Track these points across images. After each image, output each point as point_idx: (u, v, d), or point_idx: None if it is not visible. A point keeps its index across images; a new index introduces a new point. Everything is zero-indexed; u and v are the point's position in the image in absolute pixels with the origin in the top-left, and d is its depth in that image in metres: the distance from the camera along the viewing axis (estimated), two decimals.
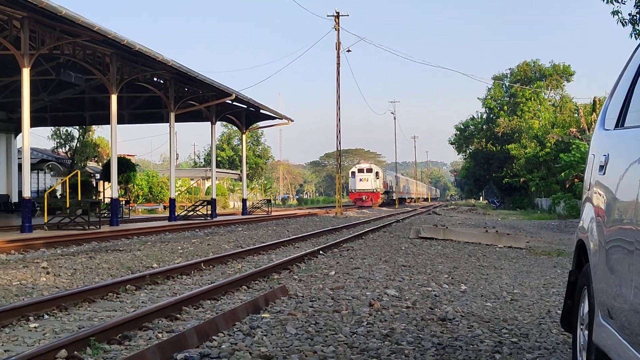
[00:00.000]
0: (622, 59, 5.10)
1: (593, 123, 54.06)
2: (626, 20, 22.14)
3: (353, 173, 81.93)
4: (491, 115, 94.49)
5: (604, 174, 4.37)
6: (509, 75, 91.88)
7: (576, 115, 64.41)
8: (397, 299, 9.52)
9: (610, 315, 3.91)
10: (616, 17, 22.17)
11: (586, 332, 4.67)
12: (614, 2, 21.97)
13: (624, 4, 22.05)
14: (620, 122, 4.46)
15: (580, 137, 50.55)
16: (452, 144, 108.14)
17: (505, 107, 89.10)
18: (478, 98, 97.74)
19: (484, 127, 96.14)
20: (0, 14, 22.64)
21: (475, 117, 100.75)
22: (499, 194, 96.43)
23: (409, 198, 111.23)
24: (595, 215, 4.50)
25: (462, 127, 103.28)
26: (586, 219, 4.81)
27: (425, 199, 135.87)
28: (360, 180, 77.80)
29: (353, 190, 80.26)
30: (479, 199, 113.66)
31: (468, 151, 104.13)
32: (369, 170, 78.29)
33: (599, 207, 4.44)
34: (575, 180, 45.69)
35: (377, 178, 78.53)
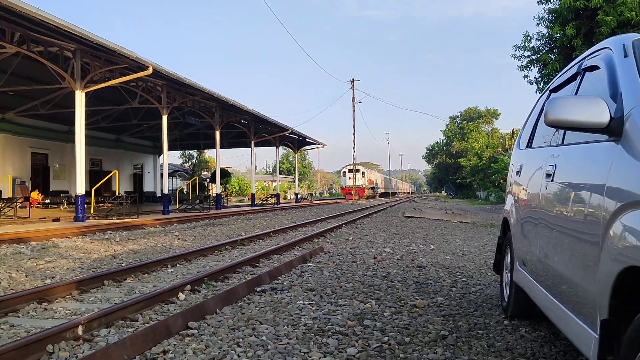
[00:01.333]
0: (531, 104, 5.08)
1: (512, 145, 53.55)
2: (532, 81, 21.95)
3: (344, 173, 65.14)
4: (448, 140, 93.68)
5: (519, 176, 4.35)
6: (459, 115, 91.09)
7: (502, 140, 64.49)
8: (391, 254, 9.44)
9: (524, 264, 3.88)
10: (526, 79, 22.04)
11: (509, 275, 4.62)
12: (524, 69, 21.83)
13: (530, 71, 21.96)
14: (529, 144, 4.43)
15: (504, 154, 50.45)
16: (424, 158, 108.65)
17: (457, 135, 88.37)
18: (440, 130, 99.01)
19: (444, 147, 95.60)
20: (150, 83, 22.93)
21: (439, 141, 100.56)
22: (454, 189, 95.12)
23: (397, 192, 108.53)
24: (514, 202, 4.48)
25: (431, 147, 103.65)
26: (508, 204, 4.78)
27: (408, 193, 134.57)
28: (349, 178, 61.01)
29: (343, 186, 64.46)
30: (441, 192, 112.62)
31: (434, 162, 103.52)
32: (356, 171, 61.19)
33: (516, 197, 4.42)
34: (501, 180, 45.44)
35: (363, 177, 62.94)
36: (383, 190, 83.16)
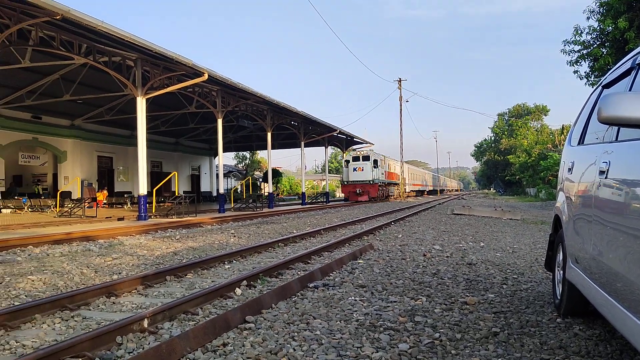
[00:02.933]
0: (581, 99, 4.90)
1: (562, 141, 51.69)
2: (582, 76, 21.16)
3: (347, 162, 42.60)
4: (496, 137, 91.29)
5: (571, 173, 4.21)
6: (507, 112, 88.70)
7: (551, 136, 62.30)
8: (440, 251, 9.31)
9: (577, 261, 3.75)
10: (576, 74, 21.26)
11: (561, 272, 4.48)
12: (574, 64, 21.07)
13: (581, 66, 21.15)
14: (581, 141, 4.28)
15: (554, 150, 48.72)
16: (472, 155, 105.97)
17: (506, 132, 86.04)
18: (488, 127, 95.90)
19: (493, 145, 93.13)
20: (205, 89, 23.45)
21: (487, 139, 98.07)
22: (503, 186, 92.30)
23: (445, 190, 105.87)
24: (566, 199, 4.33)
25: (479, 145, 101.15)
26: (560, 201, 4.63)
27: (456, 191, 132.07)
28: (355, 170, 41.05)
29: (346, 182, 41.91)
30: (490, 190, 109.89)
31: (482, 160, 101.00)
32: (365, 159, 41.33)
33: (568, 194, 4.27)
34: (550, 177, 43.97)
35: (375, 167, 41.09)
36: (431, 188, 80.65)
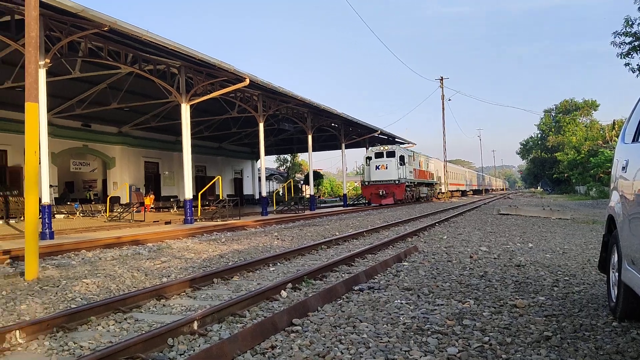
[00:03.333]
0: (634, 93, 4.71)
1: (613, 137, 49.87)
2: (634, 69, 20.38)
3: (368, 159, 35.54)
4: (543, 134, 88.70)
5: (625, 172, 4.07)
6: (554, 108, 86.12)
7: (602, 132, 60.05)
8: (487, 253, 9.12)
9: (634, 263, 3.62)
10: (628, 67, 20.49)
11: (616, 274, 4.32)
12: (625, 57, 20.32)
13: (632, 58, 20.37)
14: (635, 138, 4.13)
15: (605, 146, 47.01)
16: (518, 153, 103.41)
17: (553, 129, 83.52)
18: (534, 124, 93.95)
19: (539, 142, 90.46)
20: (247, 93, 23.77)
21: (533, 136, 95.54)
22: (551, 184, 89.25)
23: (490, 189, 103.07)
24: (620, 198, 4.18)
25: (525, 142, 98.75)
26: (613, 201, 4.48)
27: (502, 190, 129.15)
28: (377, 168, 34.69)
29: (367, 182, 35.07)
30: (537, 188, 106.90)
31: (529, 157, 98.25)
32: (390, 155, 34.70)
33: (622, 193, 4.12)
34: (601, 174, 42.47)
35: (402, 164, 34.52)
36: (475, 187, 78.60)
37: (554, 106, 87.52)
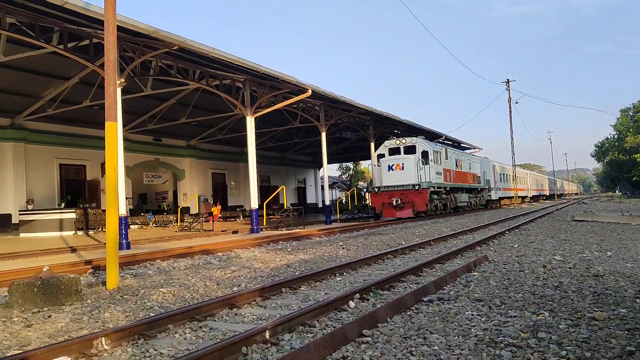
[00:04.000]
0: None
1: None
2: None
3: (379, 157, 26.84)
4: (620, 135, 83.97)
5: None
6: (632, 107, 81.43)
7: None
8: (561, 262, 8.77)
9: None
10: None
11: None
12: None
13: None
14: None
15: None
16: (592, 156, 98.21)
17: (631, 129, 78.91)
18: (610, 125, 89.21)
19: (616, 143, 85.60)
20: (309, 104, 24.10)
21: (609, 137, 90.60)
22: (630, 187, 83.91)
23: (563, 194, 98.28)
24: None
25: (600, 144, 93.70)
26: None
27: (575, 194, 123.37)
28: (390, 168, 25.15)
29: (376, 190, 25.58)
30: (615, 192, 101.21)
31: (605, 160, 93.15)
32: (409, 150, 25.88)
33: None
34: None
35: (425, 163, 25.35)
36: (547, 192, 75.23)
37: (631, 105, 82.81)
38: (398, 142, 26.32)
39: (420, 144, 25.87)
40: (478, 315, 5.11)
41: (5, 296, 7.06)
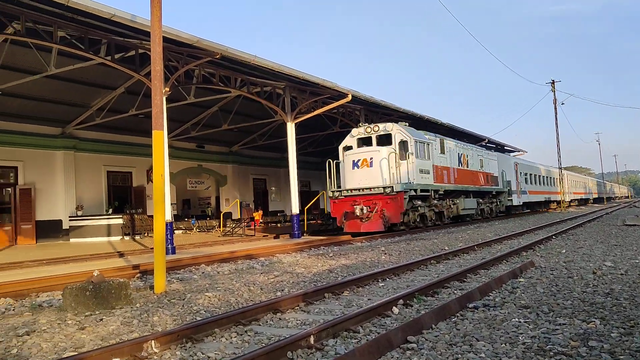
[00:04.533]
0: None
1: None
2: None
3: (347, 149, 19.73)
4: None
5: None
6: None
7: None
8: (612, 268, 8.49)
9: None
10: None
11: None
12: None
13: None
14: None
15: None
16: None
17: None
18: None
19: None
20: (349, 108, 24.14)
21: None
22: None
23: (613, 197, 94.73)
24: None
25: None
26: None
27: (626, 197, 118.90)
28: (356, 165, 18.40)
29: (336, 195, 18.77)
30: None
31: None
32: (383, 140, 18.92)
33: None
34: None
35: (404, 158, 18.48)
36: (596, 195, 72.44)
37: None
38: (369, 129, 19.50)
39: (398, 131, 18.88)
40: (525, 322, 5.02)
41: (60, 299, 7.36)
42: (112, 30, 13.93)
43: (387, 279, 8.49)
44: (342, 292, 7.33)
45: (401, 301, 6.15)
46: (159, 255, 7.84)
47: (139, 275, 9.89)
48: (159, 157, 7.95)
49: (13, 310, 7.03)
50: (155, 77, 8.00)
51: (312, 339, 4.57)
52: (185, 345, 4.86)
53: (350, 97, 19.74)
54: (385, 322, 5.36)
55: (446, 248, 13.22)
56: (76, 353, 4.64)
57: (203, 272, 10.10)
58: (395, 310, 5.83)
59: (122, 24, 12.88)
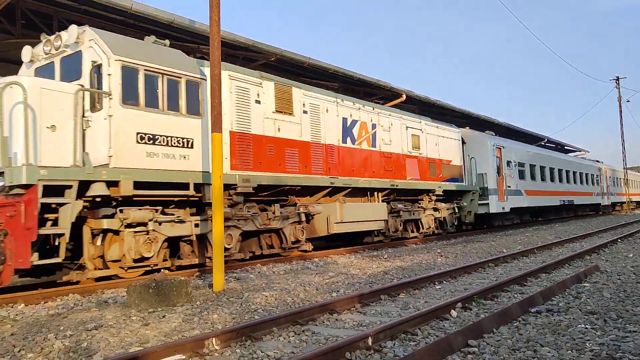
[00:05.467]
0: None
1: None
2: None
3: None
4: None
5: None
6: None
7: None
8: None
9: None
10: None
11: None
12: None
13: None
14: None
15: None
16: None
17: None
18: None
19: None
20: (403, 108, 23.96)
21: None
22: None
23: None
24: None
25: None
26: None
27: None
28: None
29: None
30: None
31: None
32: (68, 66, 8.16)
33: None
34: None
35: (99, 104, 8.05)
36: None
37: None
38: (50, 44, 9.22)
39: (94, 43, 8.59)
40: (592, 328, 4.84)
41: (123, 296, 7.67)
42: (171, 35, 14.39)
43: (444, 282, 8.37)
44: (399, 294, 7.28)
45: (460, 304, 6.05)
46: (218, 254, 8.03)
47: (197, 274, 10.15)
48: (217, 158, 8.14)
49: (81, 305, 7.37)
50: (214, 80, 8.20)
51: (370, 340, 4.57)
52: (245, 343, 4.97)
53: (404, 96, 19.60)
54: (444, 325, 5.29)
55: (504, 251, 12.89)
56: (142, 348, 4.83)
57: (259, 272, 10.27)
58: (454, 313, 5.75)
59: (181, 29, 13.27)
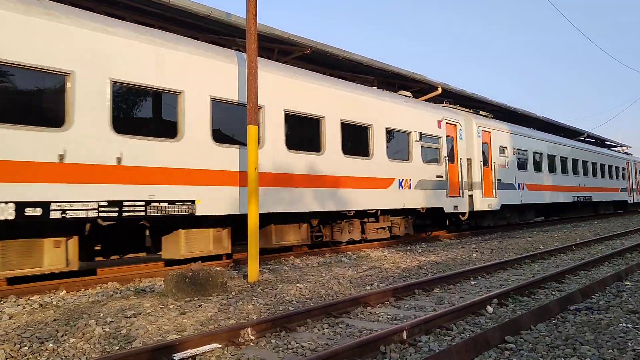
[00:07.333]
0: None
1: None
2: None
3: None
4: None
5: None
6: None
7: None
8: None
9: None
10: None
11: None
12: None
13: None
14: None
15: None
16: None
17: None
18: None
19: None
20: (439, 101, 23.65)
21: None
22: None
23: None
24: None
25: None
26: None
27: None
28: None
29: None
30: None
31: None
32: None
33: None
34: None
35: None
36: None
37: None
38: None
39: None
40: (635, 327, 4.72)
41: (160, 285, 7.84)
42: (207, 28, 14.53)
43: (479, 278, 8.28)
44: (433, 289, 7.24)
45: (495, 300, 5.99)
46: (253, 245, 8.13)
47: (232, 264, 10.30)
48: (252, 150, 8.22)
49: (120, 293, 7.58)
50: (251, 73, 8.28)
51: (404, 334, 4.57)
52: (280, 333, 5.03)
53: (440, 90, 19.33)
54: (479, 321, 5.24)
55: (541, 247, 12.65)
56: (179, 336, 4.94)
57: (292, 264, 10.34)
58: (490, 309, 5.69)
59: (218, 22, 13.39)
